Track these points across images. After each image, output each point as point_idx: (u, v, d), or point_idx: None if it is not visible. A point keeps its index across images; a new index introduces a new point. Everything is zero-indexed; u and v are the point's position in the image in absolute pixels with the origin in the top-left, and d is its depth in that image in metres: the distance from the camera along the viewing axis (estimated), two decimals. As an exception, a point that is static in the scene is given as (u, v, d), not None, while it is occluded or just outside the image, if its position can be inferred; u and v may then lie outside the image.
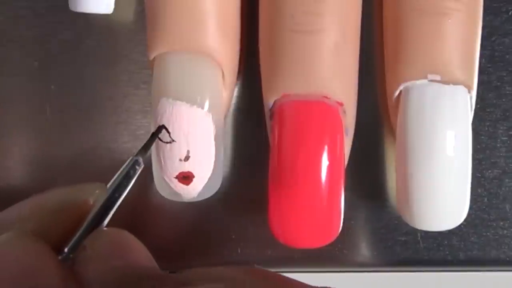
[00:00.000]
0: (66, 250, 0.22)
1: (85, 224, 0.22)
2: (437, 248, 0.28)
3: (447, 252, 0.28)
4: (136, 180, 0.23)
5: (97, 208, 0.23)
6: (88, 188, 0.23)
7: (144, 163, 0.24)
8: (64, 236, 0.22)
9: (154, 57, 0.26)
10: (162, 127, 0.25)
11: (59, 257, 0.22)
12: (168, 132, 0.25)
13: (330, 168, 0.25)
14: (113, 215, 0.23)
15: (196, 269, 0.21)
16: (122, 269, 0.20)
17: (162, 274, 0.21)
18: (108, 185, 0.23)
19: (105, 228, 0.23)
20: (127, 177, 0.23)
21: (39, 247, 0.21)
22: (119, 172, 0.23)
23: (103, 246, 0.21)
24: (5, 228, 0.21)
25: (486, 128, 0.28)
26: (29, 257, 0.20)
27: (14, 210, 0.23)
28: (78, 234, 0.22)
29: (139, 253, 0.22)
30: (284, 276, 0.21)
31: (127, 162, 0.23)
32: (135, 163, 0.23)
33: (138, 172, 0.23)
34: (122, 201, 0.23)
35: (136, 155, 0.24)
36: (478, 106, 0.27)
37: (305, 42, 0.25)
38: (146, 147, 0.24)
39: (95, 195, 0.23)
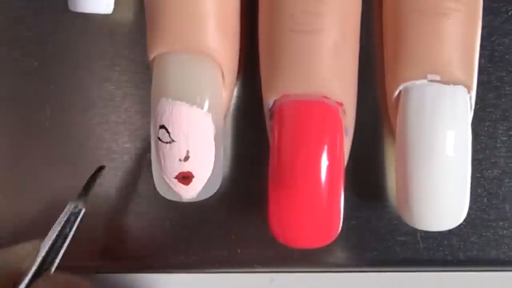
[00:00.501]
0: None
1: (23, 282, 0.22)
2: (437, 248, 0.28)
3: (447, 252, 0.28)
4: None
5: (32, 268, 0.23)
6: (22, 250, 0.23)
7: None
8: None
9: (154, 57, 0.26)
10: (100, 169, 0.24)
11: None
12: (168, 132, 0.25)
13: (330, 168, 0.25)
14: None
15: None
16: None
17: None
18: (49, 233, 0.23)
19: (48, 274, 0.23)
20: (67, 224, 0.23)
21: None
22: (58, 220, 0.23)
23: None
24: None
25: (486, 128, 0.28)
26: None
27: None
28: None
29: None
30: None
31: (65, 209, 0.23)
32: (74, 208, 0.23)
33: (80, 217, 0.23)
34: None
35: (76, 199, 0.23)
36: (478, 106, 0.27)
37: (305, 42, 0.25)
38: (86, 189, 0.24)
39: (31, 255, 0.23)
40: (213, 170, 0.26)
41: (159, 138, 0.25)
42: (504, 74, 0.28)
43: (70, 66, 0.29)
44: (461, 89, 0.25)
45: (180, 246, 0.29)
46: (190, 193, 0.26)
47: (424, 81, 0.25)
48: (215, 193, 0.27)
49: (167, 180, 0.26)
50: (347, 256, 0.29)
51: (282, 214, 0.25)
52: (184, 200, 0.26)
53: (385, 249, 0.29)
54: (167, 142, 0.25)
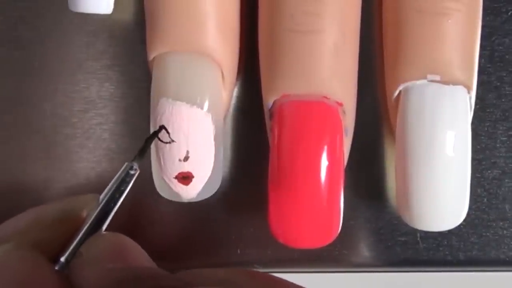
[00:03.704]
0: (62, 259, 0.22)
1: (80, 233, 0.23)
2: (437, 248, 0.28)
3: (447, 252, 0.28)
4: (135, 181, 0.23)
5: (91, 218, 0.23)
6: (81, 200, 0.24)
7: (144, 164, 0.24)
8: (62, 248, 0.23)
9: (154, 57, 0.26)
10: (157, 132, 0.25)
11: (56, 267, 0.22)
12: (168, 132, 0.25)
13: (330, 168, 0.25)
14: (111, 217, 0.23)
15: (197, 270, 0.21)
16: (119, 271, 0.21)
17: (161, 273, 0.21)
18: (104, 192, 0.23)
19: (101, 233, 0.23)
20: (123, 183, 0.23)
21: (34, 258, 0.21)
22: (114, 178, 0.23)
23: (99, 250, 0.22)
24: (2, 241, 0.22)
25: (486, 129, 0.28)
26: (25, 268, 0.21)
27: (11, 224, 0.23)
28: (73, 243, 0.22)
29: (137, 255, 0.22)
30: (286, 281, 0.21)
31: (122, 168, 0.23)
32: (130, 169, 0.23)
33: (134, 178, 0.23)
34: (121, 202, 0.23)
35: (132, 160, 0.24)
36: (477, 106, 0.27)
37: (305, 42, 0.25)
38: (142, 152, 0.24)
39: (88, 207, 0.23)
40: (213, 170, 0.26)
41: (159, 138, 0.25)
42: (504, 74, 0.28)
43: (70, 66, 0.29)
44: (461, 89, 0.25)
45: (180, 247, 0.29)
46: (190, 193, 0.26)
47: (424, 81, 0.25)
48: (215, 193, 0.27)
49: (167, 180, 0.26)
50: (347, 256, 0.29)
51: (282, 214, 0.25)
52: (184, 200, 0.26)
53: (385, 249, 0.29)
54: (167, 142, 0.25)
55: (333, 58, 0.25)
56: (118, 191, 0.23)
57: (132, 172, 0.23)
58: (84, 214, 0.23)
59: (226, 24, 0.26)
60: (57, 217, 0.23)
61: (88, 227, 0.23)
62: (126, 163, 0.24)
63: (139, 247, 0.23)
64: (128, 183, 0.23)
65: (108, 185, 0.23)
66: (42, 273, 0.21)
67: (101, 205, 0.23)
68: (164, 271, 0.21)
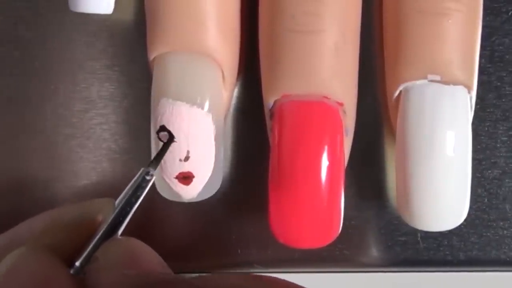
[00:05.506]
0: (77, 263, 0.22)
1: (95, 238, 0.23)
2: (437, 248, 0.28)
3: (447, 252, 0.28)
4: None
5: (107, 222, 0.23)
6: (96, 205, 0.24)
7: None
8: (77, 251, 0.22)
9: (154, 58, 0.26)
10: (172, 138, 0.25)
11: (71, 271, 0.22)
12: (169, 133, 0.25)
13: (330, 168, 0.25)
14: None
15: (212, 276, 0.21)
16: (135, 277, 0.20)
17: (176, 279, 0.21)
18: (120, 196, 0.23)
19: (117, 238, 0.23)
20: (138, 189, 0.23)
21: (51, 261, 0.21)
22: (130, 183, 0.23)
23: (115, 255, 0.22)
24: (18, 244, 0.22)
25: (486, 129, 0.28)
26: (41, 271, 0.21)
27: (26, 227, 0.23)
28: (89, 247, 0.22)
29: (152, 259, 0.22)
30: (299, 286, 0.21)
31: (138, 174, 0.23)
32: (146, 174, 0.23)
33: (150, 184, 0.23)
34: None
35: (148, 166, 0.24)
36: (478, 106, 0.27)
37: (306, 42, 0.25)
38: (158, 157, 0.24)
39: (103, 211, 0.23)
40: (213, 170, 0.26)
41: (159, 139, 0.25)
42: (504, 74, 0.28)
43: (70, 66, 0.29)
44: (461, 89, 0.25)
45: (180, 247, 0.29)
46: (190, 193, 0.26)
47: (424, 81, 0.25)
48: (216, 193, 0.27)
49: (168, 180, 0.26)
50: (347, 256, 0.29)
51: (283, 215, 0.25)
52: (184, 200, 0.26)
53: (385, 249, 0.29)
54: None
55: (334, 58, 0.25)
56: (134, 196, 0.23)
57: (148, 177, 0.23)
58: (100, 218, 0.23)
59: (226, 24, 0.26)
60: (72, 221, 0.23)
61: (103, 232, 0.23)
62: (142, 169, 0.24)
63: (154, 252, 0.23)
64: (144, 188, 0.23)
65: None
66: (59, 275, 0.21)
67: (117, 210, 0.23)
68: (179, 276, 0.21)
